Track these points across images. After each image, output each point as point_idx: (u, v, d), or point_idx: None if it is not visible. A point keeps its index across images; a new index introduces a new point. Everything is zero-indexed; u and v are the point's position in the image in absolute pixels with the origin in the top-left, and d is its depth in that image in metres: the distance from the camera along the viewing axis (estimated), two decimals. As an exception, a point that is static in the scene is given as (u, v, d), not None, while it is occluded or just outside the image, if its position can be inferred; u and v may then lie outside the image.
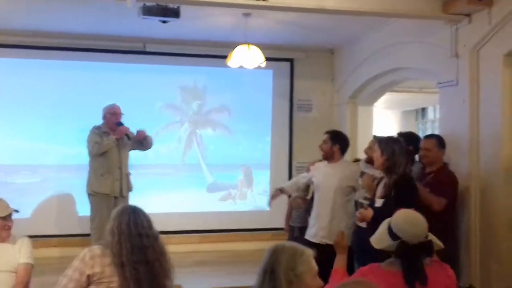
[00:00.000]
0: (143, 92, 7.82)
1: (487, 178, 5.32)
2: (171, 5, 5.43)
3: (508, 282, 4.99)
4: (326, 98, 8.48)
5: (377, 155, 4.69)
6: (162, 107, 8.10)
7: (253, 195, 8.38)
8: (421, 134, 6.42)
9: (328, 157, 5.57)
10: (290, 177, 7.98)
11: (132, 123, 6.62)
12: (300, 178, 6.02)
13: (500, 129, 5.19)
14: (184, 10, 5.55)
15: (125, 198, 6.48)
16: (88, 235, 6.49)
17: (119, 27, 7.07)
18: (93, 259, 3.03)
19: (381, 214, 3.69)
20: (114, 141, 6.40)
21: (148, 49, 7.79)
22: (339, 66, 8.36)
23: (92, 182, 6.47)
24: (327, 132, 5.69)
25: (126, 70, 7.93)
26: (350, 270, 3.57)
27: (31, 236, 4.10)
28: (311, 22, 6.60)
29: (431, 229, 2.92)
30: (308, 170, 5.92)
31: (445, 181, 5.14)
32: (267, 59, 6.85)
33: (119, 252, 3.02)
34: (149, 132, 6.76)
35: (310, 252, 2.51)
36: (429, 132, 9.54)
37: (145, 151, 6.87)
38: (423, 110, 12.88)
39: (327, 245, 4.68)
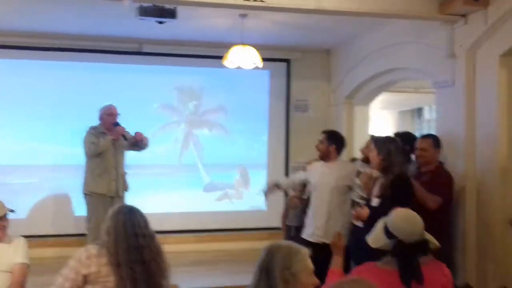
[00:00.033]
0: (139, 93, 7.81)
1: (483, 178, 5.33)
2: (167, 6, 5.44)
3: (504, 281, 5.01)
4: (322, 98, 8.49)
5: (373, 155, 4.71)
6: (159, 107, 8.09)
7: (250, 194, 8.38)
8: (417, 134, 6.43)
9: (324, 157, 5.59)
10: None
11: (128, 124, 6.61)
12: (297, 176, 6.03)
13: (496, 130, 5.20)
14: (181, 11, 5.55)
15: (121, 198, 6.48)
16: (84, 235, 6.48)
17: (115, 27, 7.06)
18: (89, 258, 3.02)
19: (377, 214, 3.70)
20: (110, 141, 6.40)
21: (144, 50, 7.78)
22: (335, 66, 8.37)
23: (88, 182, 6.46)
24: (324, 132, 5.71)
25: (123, 70, 7.93)
26: (346, 269, 3.58)
27: (27, 236, 4.09)
28: (308, 23, 6.60)
29: (426, 228, 2.93)
30: (304, 169, 5.93)
31: (441, 180, 5.16)
32: (264, 59, 6.85)
33: (115, 251, 3.02)
34: (145, 133, 6.75)
35: (305, 251, 2.52)
36: (425, 132, 9.54)
37: (141, 151, 6.86)
38: (419, 110, 12.90)
39: (324, 244, 4.68)
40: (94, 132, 6.46)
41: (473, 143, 5.42)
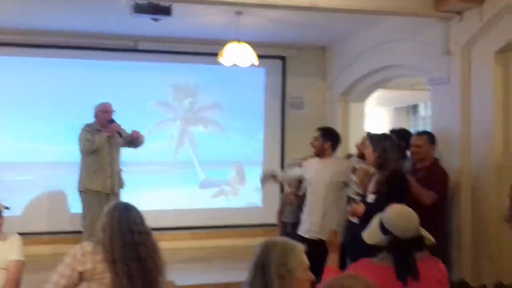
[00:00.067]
0: (134, 90, 7.80)
1: (478, 175, 5.35)
2: (162, 3, 5.42)
3: (499, 277, 5.03)
4: (318, 95, 8.49)
5: (369, 151, 4.72)
6: (154, 104, 8.08)
7: (246, 191, 8.38)
8: (412, 131, 6.46)
9: (319, 153, 5.60)
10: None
11: (124, 121, 6.60)
12: (292, 171, 6.04)
13: (492, 126, 5.22)
14: (176, 8, 5.54)
15: (117, 195, 6.47)
16: (79, 232, 6.47)
17: (110, 25, 7.05)
18: (85, 255, 3.02)
19: (373, 210, 3.70)
20: (105, 138, 6.39)
21: (139, 47, 7.76)
22: (331, 63, 8.37)
23: (83, 179, 6.45)
24: (319, 129, 5.72)
25: (118, 68, 7.90)
26: (342, 266, 3.58)
27: (22, 234, 4.08)
28: (303, 20, 6.60)
29: (421, 224, 2.94)
30: (300, 165, 5.93)
31: (436, 177, 5.18)
32: (259, 56, 6.85)
33: (111, 248, 3.01)
34: (141, 130, 6.73)
35: (301, 247, 2.52)
36: (420, 129, 9.57)
37: (136, 148, 6.85)
38: (415, 107, 12.93)
39: (320, 241, 4.69)
40: (89, 129, 6.45)
41: (468, 140, 5.43)
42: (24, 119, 7.44)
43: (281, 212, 6.45)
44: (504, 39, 5.10)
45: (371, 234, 2.97)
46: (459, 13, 5.47)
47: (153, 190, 7.79)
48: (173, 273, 3.42)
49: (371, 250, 2.97)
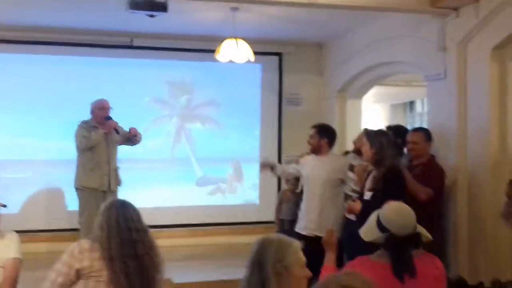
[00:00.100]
0: (131, 87, 7.78)
1: (474, 172, 5.36)
2: (158, -1, 5.41)
3: (495, 274, 5.03)
4: (315, 92, 8.48)
5: (366, 148, 4.72)
6: (150, 101, 8.07)
7: (243, 188, 8.39)
8: (409, 128, 6.46)
9: (316, 150, 5.61)
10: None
11: (120, 118, 6.59)
12: (290, 166, 6.04)
13: (488, 123, 5.23)
14: (172, 4, 5.52)
15: (114, 192, 6.46)
16: (77, 229, 6.46)
17: (106, 21, 7.03)
18: (82, 253, 3.02)
19: (370, 207, 3.70)
20: (102, 135, 6.38)
21: (135, 44, 7.74)
22: (327, 60, 8.36)
23: (80, 176, 6.44)
24: (314, 127, 5.71)
25: (114, 64, 7.90)
26: (339, 263, 3.58)
27: (19, 231, 4.07)
28: (300, 16, 6.60)
29: (417, 220, 2.94)
30: (297, 162, 5.94)
31: (432, 173, 5.19)
32: (256, 53, 6.84)
33: (108, 246, 3.01)
34: (137, 127, 6.73)
35: (297, 244, 2.52)
36: (417, 125, 9.58)
37: (134, 146, 6.84)
38: (411, 103, 12.92)
39: (317, 237, 4.70)
40: (85, 126, 6.44)
41: (464, 137, 5.44)
42: (20, 116, 7.42)
43: (278, 210, 6.46)
44: (500, 35, 5.10)
45: (368, 231, 2.97)
46: (455, 9, 5.47)
47: (150, 188, 7.77)
48: (170, 271, 3.42)
49: (368, 247, 2.97)
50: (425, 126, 6.01)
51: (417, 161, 5.29)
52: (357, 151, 5.55)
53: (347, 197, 5.38)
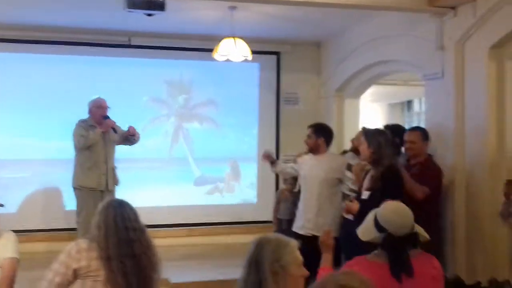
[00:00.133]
0: (128, 86, 7.77)
1: (472, 171, 5.36)
2: (156, -2, 5.41)
3: (493, 273, 5.04)
4: (312, 91, 8.48)
5: (363, 147, 4.72)
6: (148, 100, 8.06)
7: (241, 188, 8.38)
8: (407, 127, 6.47)
9: (314, 150, 5.60)
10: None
11: (118, 117, 6.58)
12: (288, 165, 6.04)
13: (486, 122, 5.23)
14: (170, 3, 5.51)
15: (112, 192, 6.45)
16: (74, 229, 6.45)
17: (104, 20, 7.02)
18: (80, 253, 3.02)
19: (367, 206, 3.70)
20: (100, 134, 6.37)
21: (133, 43, 7.74)
22: (325, 59, 8.36)
23: (78, 176, 6.43)
24: (310, 126, 5.71)
25: (112, 63, 7.89)
26: (337, 262, 3.58)
27: (17, 231, 4.06)
28: (297, 15, 6.59)
29: (414, 219, 2.94)
30: (295, 162, 5.93)
31: (430, 172, 5.19)
32: (254, 52, 6.84)
33: (105, 245, 3.01)
34: (135, 126, 6.72)
35: (294, 243, 2.52)
36: (415, 125, 9.58)
37: (132, 146, 6.83)
38: (409, 102, 12.93)
39: (314, 237, 4.69)
40: (83, 125, 6.43)
41: (462, 136, 5.44)
42: (18, 115, 7.40)
43: (276, 209, 6.46)
44: (498, 34, 5.11)
45: (365, 231, 2.97)
46: (453, 8, 5.47)
47: (148, 187, 7.76)
48: (167, 270, 3.42)
49: (365, 247, 2.97)
50: (423, 125, 6.01)
51: (415, 160, 5.29)
52: (355, 150, 5.55)
53: (345, 196, 5.38)
